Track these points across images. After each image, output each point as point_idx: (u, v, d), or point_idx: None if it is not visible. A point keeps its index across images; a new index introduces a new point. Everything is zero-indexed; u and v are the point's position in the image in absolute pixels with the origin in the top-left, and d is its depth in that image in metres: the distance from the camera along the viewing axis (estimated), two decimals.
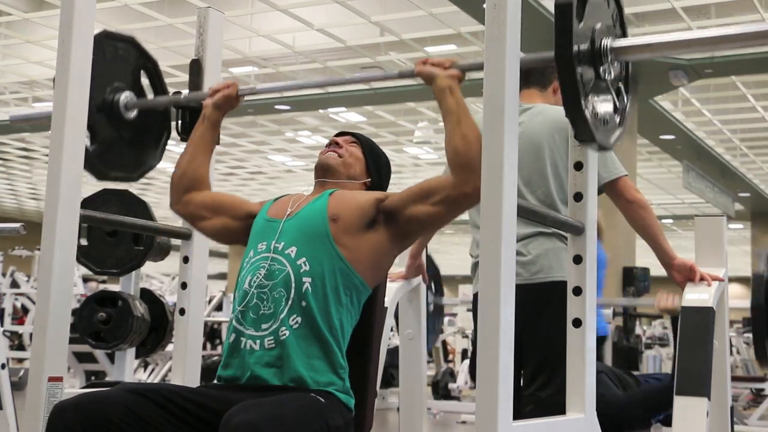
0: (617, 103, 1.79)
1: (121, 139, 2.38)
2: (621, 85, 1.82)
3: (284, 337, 1.84)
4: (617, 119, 1.81)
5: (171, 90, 2.47)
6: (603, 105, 1.74)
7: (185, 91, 2.48)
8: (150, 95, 2.49)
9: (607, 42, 1.70)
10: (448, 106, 1.85)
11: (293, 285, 1.88)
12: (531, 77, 2.83)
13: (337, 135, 2.20)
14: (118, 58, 2.38)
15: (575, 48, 1.61)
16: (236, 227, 2.12)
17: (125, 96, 2.35)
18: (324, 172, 2.12)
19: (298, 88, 2.32)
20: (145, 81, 2.48)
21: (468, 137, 1.81)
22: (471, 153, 1.79)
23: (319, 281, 1.89)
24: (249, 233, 2.06)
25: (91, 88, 2.20)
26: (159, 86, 2.50)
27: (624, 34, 1.83)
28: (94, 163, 2.27)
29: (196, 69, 2.49)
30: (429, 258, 3.14)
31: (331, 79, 2.33)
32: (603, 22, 1.73)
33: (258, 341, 1.86)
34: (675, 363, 2.39)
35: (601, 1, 1.76)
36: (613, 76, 1.74)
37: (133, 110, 2.38)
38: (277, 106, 11.79)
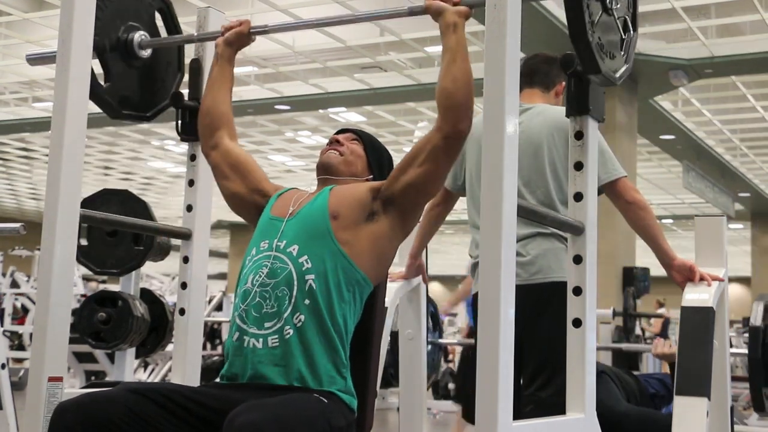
0: (623, 36, 1.80)
1: (135, 77, 2.41)
2: (627, 18, 1.82)
3: (288, 335, 1.85)
4: (623, 55, 1.81)
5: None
6: (609, 38, 1.75)
7: (185, 91, 2.49)
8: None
9: None
10: (449, 43, 1.89)
11: (296, 283, 1.88)
12: (535, 77, 2.83)
13: (338, 132, 2.20)
14: None
15: None
16: (245, 196, 2.16)
17: (139, 35, 2.38)
18: (325, 171, 2.12)
19: (316, 26, 2.36)
20: (159, 23, 2.52)
21: (458, 79, 1.86)
22: (458, 95, 1.84)
23: (321, 279, 1.89)
24: (254, 211, 2.10)
25: (106, 27, 2.27)
26: (173, 27, 2.55)
27: None
28: (107, 101, 2.30)
29: (196, 69, 2.49)
30: (427, 295, 3.16)
31: (336, 18, 2.35)
32: None
33: (261, 339, 1.86)
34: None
35: None
36: (619, 6, 1.75)
37: (147, 49, 2.42)
38: (277, 106, 11.78)
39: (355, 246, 1.94)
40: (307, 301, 1.87)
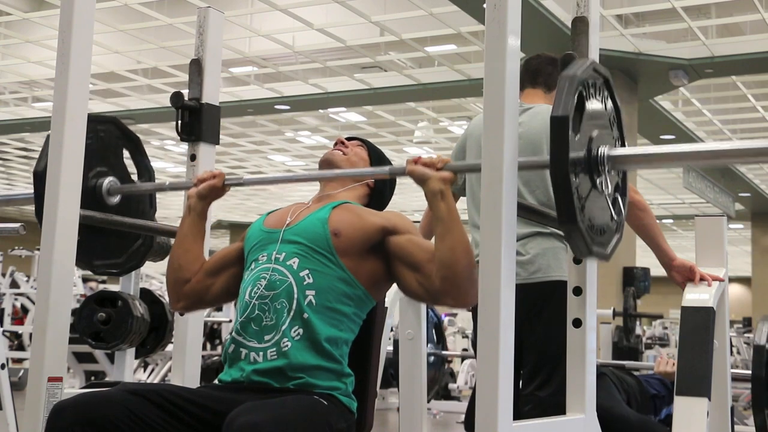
0: (614, 215, 1.76)
1: (105, 224, 2.32)
2: (618, 196, 1.79)
3: (286, 348, 1.82)
4: (614, 227, 1.79)
5: (171, 90, 2.47)
6: (600, 216, 1.71)
7: (185, 91, 2.48)
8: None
9: (604, 150, 1.67)
10: (439, 212, 1.79)
11: (295, 296, 1.85)
12: (538, 77, 2.83)
13: (345, 139, 2.21)
14: (99, 141, 2.35)
15: (572, 157, 1.58)
16: (237, 265, 2.06)
17: (108, 181, 2.33)
18: (328, 168, 2.12)
19: (286, 181, 2.27)
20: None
21: (455, 250, 1.77)
22: (457, 268, 1.76)
23: (322, 293, 1.87)
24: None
25: None
26: (143, 167, 2.48)
27: (621, 137, 1.81)
28: (78, 254, 2.13)
29: (196, 69, 2.48)
30: (429, 307, 3.15)
31: (312, 174, 2.21)
32: (599, 128, 1.71)
33: (261, 353, 1.84)
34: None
35: (599, 106, 1.73)
36: (610, 189, 1.70)
37: (116, 195, 2.35)
38: (277, 106, 11.79)
39: (356, 264, 1.91)
40: (305, 315, 1.84)
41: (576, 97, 1.61)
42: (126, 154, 2.46)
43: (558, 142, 1.57)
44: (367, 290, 1.92)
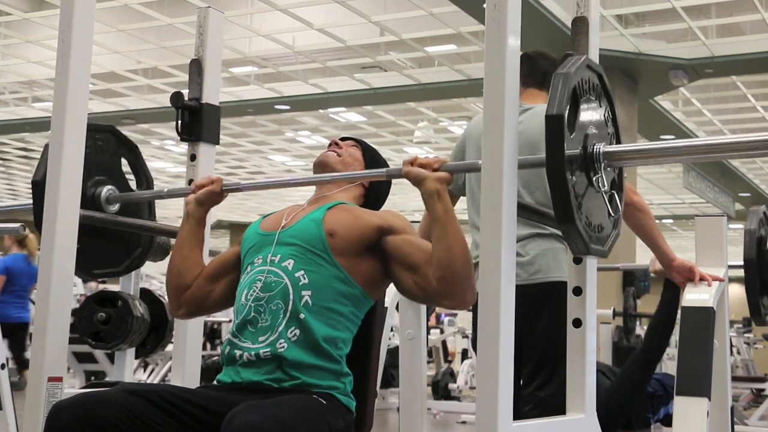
0: (611, 212, 1.76)
1: (105, 232, 2.33)
2: (615, 192, 1.78)
3: (282, 349, 1.82)
4: (611, 223, 1.79)
5: (171, 90, 2.47)
6: (597, 213, 1.71)
7: (185, 91, 2.48)
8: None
9: (600, 148, 1.67)
10: (436, 212, 1.79)
11: (291, 297, 1.85)
12: (547, 81, 2.82)
13: (339, 139, 2.20)
14: (98, 150, 2.36)
15: (567, 154, 1.59)
16: (234, 270, 2.06)
17: (107, 190, 2.33)
18: (323, 170, 2.11)
19: (283, 185, 2.27)
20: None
21: (453, 249, 1.76)
22: (454, 267, 1.76)
23: (318, 294, 1.86)
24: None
25: None
26: (141, 175, 2.49)
27: (617, 134, 1.81)
28: (78, 262, 2.15)
29: (196, 69, 2.49)
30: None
31: (311, 178, 2.18)
32: (595, 126, 1.70)
33: (253, 353, 1.83)
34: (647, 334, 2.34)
35: (593, 103, 1.73)
36: (606, 186, 1.70)
37: (115, 204, 2.36)
38: (277, 106, 11.78)
39: (353, 264, 1.91)
40: (302, 316, 1.84)
41: (570, 95, 1.61)
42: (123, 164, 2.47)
43: (553, 141, 1.57)
44: (364, 289, 1.92)
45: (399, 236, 1.91)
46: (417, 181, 1.81)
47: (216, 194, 2.10)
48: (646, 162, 1.78)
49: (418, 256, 1.85)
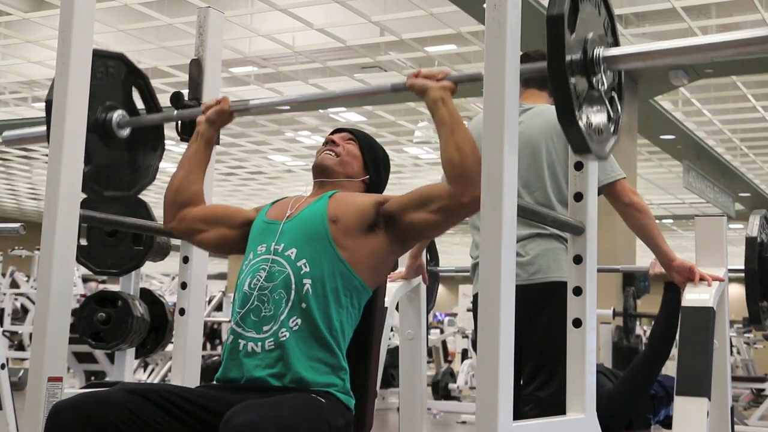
0: (611, 113, 1.78)
1: (115, 157, 2.36)
2: (614, 94, 1.80)
3: (284, 338, 1.84)
4: (611, 128, 1.80)
5: (171, 90, 2.48)
6: (597, 115, 1.73)
7: (185, 91, 2.48)
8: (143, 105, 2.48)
9: (599, 51, 1.69)
10: (441, 116, 1.83)
11: (293, 286, 1.87)
12: (545, 82, 2.83)
13: (334, 132, 2.19)
14: (109, 77, 2.37)
15: (568, 58, 1.60)
16: (234, 236, 2.11)
17: (117, 114, 2.34)
18: (321, 173, 2.11)
19: (294, 103, 2.29)
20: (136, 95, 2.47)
21: (462, 148, 1.79)
22: (466, 163, 1.78)
23: (319, 283, 1.88)
24: (245, 243, 2.05)
25: None
26: (151, 102, 2.50)
27: (616, 43, 1.82)
28: (89, 185, 2.25)
29: (196, 69, 2.49)
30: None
31: (322, 94, 2.25)
32: (595, 32, 1.72)
33: (259, 343, 1.85)
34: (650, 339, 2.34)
35: (593, 10, 1.74)
36: (606, 86, 1.72)
37: (126, 128, 2.37)
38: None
39: (353, 252, 1.92)
40: (303, 305, 1.86)
41: None
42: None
43: (554, 41, 1.58)
44: (363, 280, 1.93)
45: (396, 197, 1.97)
46: (422, 91, 1.86)
47: (225, 113, 2.18)
48: (646, 63, 1.79)
49: (422, 192, 1.91)
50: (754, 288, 2.61)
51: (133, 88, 2.46)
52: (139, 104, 2.50)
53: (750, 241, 2.65)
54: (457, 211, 1.85)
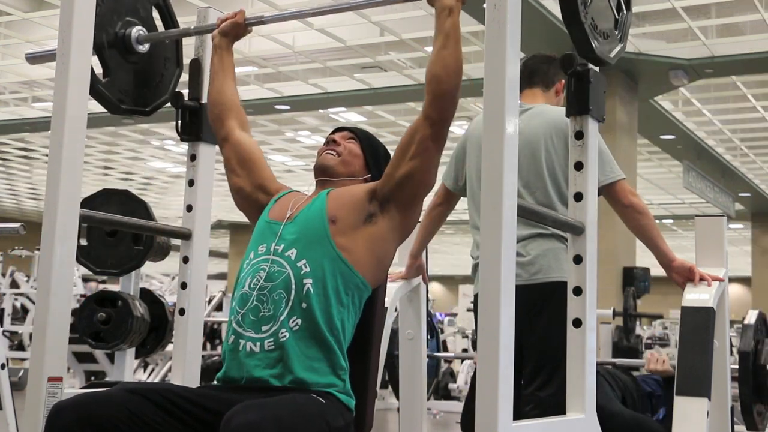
0: (617, 17, 1.78)
1: (133, 72, 2.43)
2: (622, 2, 1.81)
3: (284, 339, 1.84)
4: (618, 34, 1.80)
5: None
6: (603, 21, 1.73)
7: (185, 91, 2.48)
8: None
9: None
10: (444, 26, 1.89)
11: (293, 287, 1.87)
12: (535, 77, 2.83)
13: (335, 131, 2.19)
14: None
15: None
16: (249, 194, 2.16)
17: (137, 30, 2.40)
18: (323, 173, 2.12)
19: (309, 15, 2.41)
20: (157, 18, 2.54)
21: (449, 65, 1.86)
22: (449, 82, 1.86)
23: (320, 283, 1.88)
24: (255, 208, 2.11)
25: (104, 23, 2.29)
26: (170, 21, 2.56)
27: None
28: (106, 96, 2.32)
29: (196, 69, 2.49)
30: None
31: (334, 5, 2.31)
32: None
33: (258, 343, 1.85)
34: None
35: None
36: None
37: (145, 44, 2.43)
38: (277, 106, 11.78)
39: (353, 250, 1.93)
40: (304, 305, 1.86)
41: None
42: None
43: None
44: (364, 277, 1.93)
45: (384, 174, 1.99)
46: None
47: (239, 25, 2.29)
48: None
49: (399, 147, 1.95)
50: (748, 393, 2.77)
51: (153, 8, 2.53)
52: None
53: (743, 354, 2.86)
54: (433, 137, 1.90)
